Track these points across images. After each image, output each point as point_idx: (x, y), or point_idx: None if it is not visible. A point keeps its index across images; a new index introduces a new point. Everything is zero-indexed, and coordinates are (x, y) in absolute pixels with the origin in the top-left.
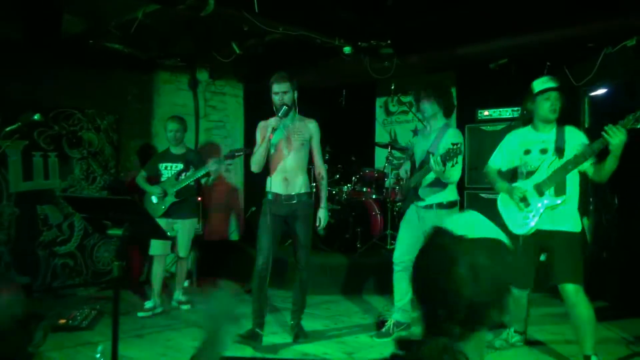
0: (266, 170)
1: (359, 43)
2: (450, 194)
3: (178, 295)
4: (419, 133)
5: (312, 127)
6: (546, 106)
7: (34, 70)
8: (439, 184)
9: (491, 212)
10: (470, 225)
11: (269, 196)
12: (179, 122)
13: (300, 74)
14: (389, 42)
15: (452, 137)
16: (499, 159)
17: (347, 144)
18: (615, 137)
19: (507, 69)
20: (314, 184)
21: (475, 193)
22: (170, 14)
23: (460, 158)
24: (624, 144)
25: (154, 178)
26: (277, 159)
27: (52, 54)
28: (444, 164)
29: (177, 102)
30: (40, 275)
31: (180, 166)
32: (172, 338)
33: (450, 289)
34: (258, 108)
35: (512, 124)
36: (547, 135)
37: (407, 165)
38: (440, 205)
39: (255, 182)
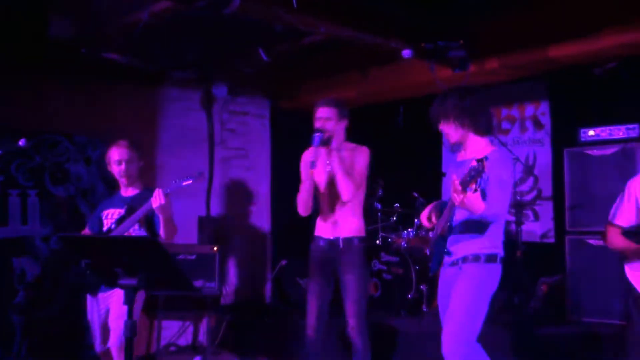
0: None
1: (422, 44)
2: (489, 244)
3: None
4: (452, 162)
5: (360, 156)
6: None
7: (11, 85)
8: (474, 227)
9: (601, 262)
10: None
11: (317, 241)
12: (127, 147)
13: (344, 87)
14: (461, 42)
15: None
16: (622, 216)
17: (406, 176)
18: None
19: (617, 75)
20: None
21: (580, 239)
22: (183, 14)
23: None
24: None
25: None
26: (323, 198)
27: (34, 65)
28: (463, 190)
29: (188, 125)
30: (15, 347)
31: (122, 214)
32: None
33: None
34: (289, 131)
35: (626, 147)
36: None
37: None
38: (472, 259)
39: (288, 226)
